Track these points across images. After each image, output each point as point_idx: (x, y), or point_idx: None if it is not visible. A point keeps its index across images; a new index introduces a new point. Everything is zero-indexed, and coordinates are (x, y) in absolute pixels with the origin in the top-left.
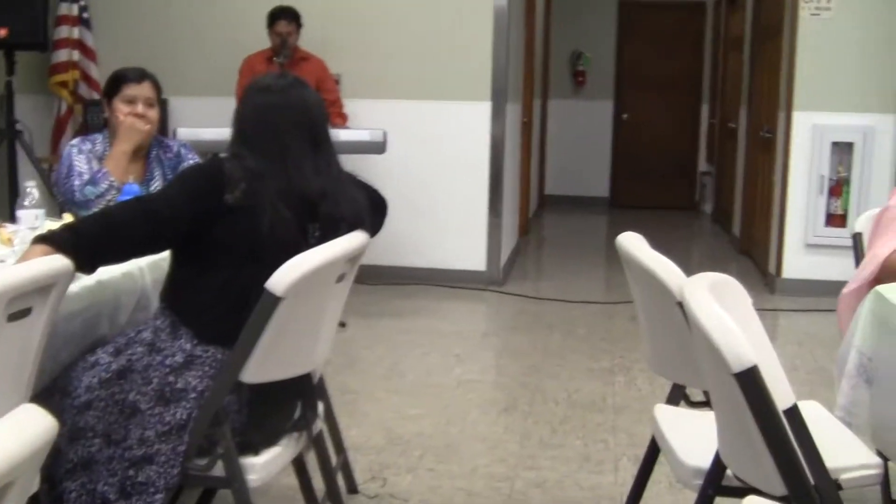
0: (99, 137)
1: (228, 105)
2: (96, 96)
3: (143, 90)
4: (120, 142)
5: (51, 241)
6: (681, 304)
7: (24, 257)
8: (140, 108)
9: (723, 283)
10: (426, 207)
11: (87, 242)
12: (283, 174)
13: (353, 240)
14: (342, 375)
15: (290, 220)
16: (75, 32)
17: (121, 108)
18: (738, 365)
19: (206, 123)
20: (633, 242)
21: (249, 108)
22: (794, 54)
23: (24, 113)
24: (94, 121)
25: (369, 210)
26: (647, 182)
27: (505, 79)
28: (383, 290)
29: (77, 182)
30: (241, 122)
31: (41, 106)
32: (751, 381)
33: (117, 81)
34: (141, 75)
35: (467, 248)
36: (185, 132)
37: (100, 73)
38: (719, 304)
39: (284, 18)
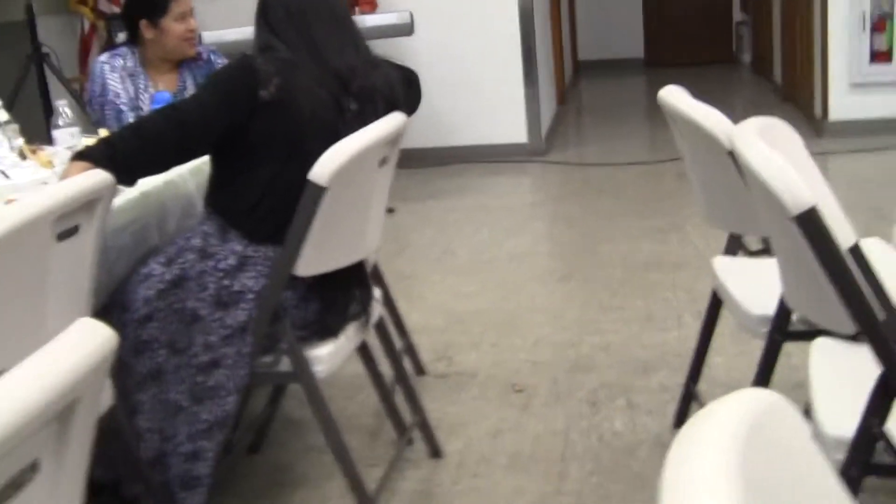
0: (127, 52)
1: (250, 2)
2: (117, 10)
3: (188, 2)
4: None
5: (88, 156)
6: (731, 154)
7: (64, 175)
8: (192, 23)
9: (771, 126)
10: (461, 85)
11: (125, 155)
12: (312, 58)
13: (392, 121)
14: (395, 261)
15: (327, 102)
16: None
17: (175, 29)
18: (796, 207)
19: (229, 23)
20: (676, 96)
21: (271, 4)
22: None
23: (47, 35)
24: (118, 36)
25: (402, 83)
26: (681, 38)
27: None
28: (427, 172)
29: (117, 102)
30: (265, 17)
31: (64, 26)
32: (811, 222)
33: (161, 0)
34: None
35: (507, 122)
36: (210, 35)
37: None
38: (770, 148)
39: None
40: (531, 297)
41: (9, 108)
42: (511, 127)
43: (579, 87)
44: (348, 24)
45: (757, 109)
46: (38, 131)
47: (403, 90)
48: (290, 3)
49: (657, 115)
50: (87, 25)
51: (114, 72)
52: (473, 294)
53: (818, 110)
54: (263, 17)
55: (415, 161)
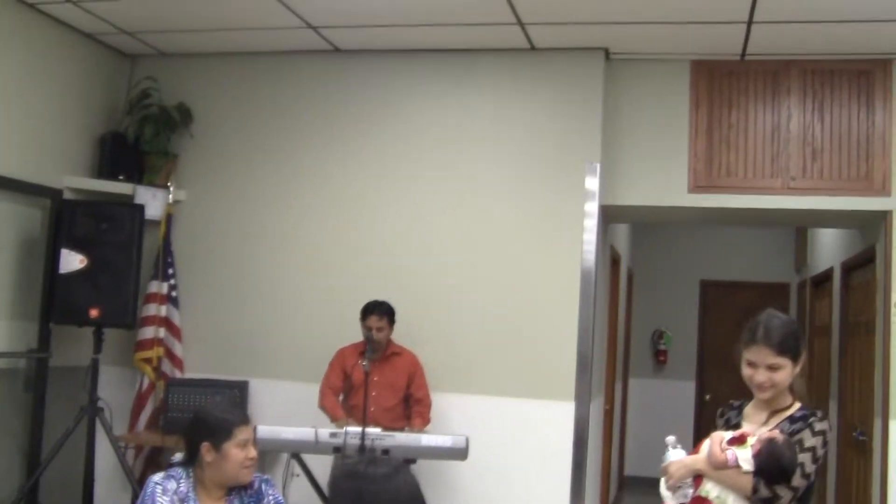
0: (182, 474)
1: (310, 391)
2: (178, 374)
3: (251, 431)
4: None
5: None
6: None
7: None
8: (252, 451)
9: None
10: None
11: None
12: None
13: None
14: None
15: None
16: (163, 310)
17: (236, 455)
18: None
19: (287, 408)
20: None
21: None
22: (888, 361)
23: (105, 385)
24: (174, 401)
25: None
26: None
27: (590, 376)
28: None
29: None
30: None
31: (123, 379)
32: None
33: (226, 426)
34: (245, 415)
35: None
36: (266, 430)
37: (183, 351)
38: None
39: (376, 313)
40: None
41: (52, 456)
42: None
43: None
44: None
45: None
46: (75, 486)
47: None
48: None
49: None
50: (145, 383)
51: (164, 494)
52: None
53: None
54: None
55: None
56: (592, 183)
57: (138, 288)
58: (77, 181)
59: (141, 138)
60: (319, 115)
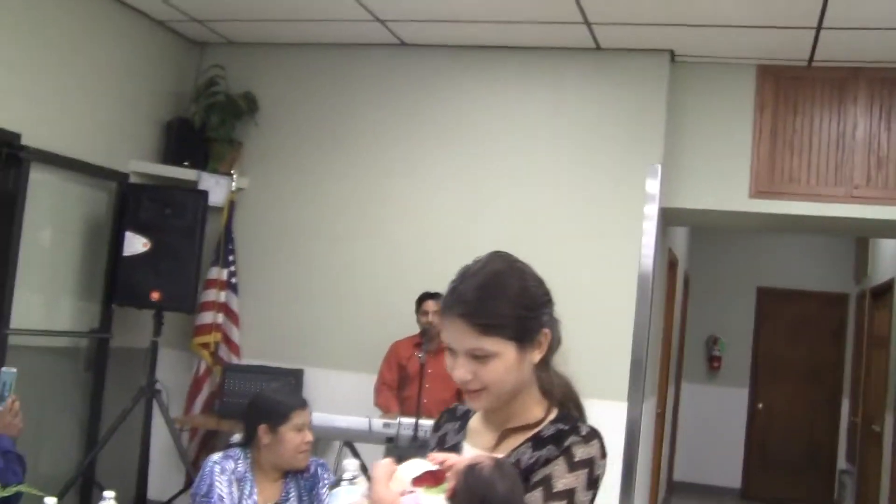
0: (240, 455)
1: (365, 382)
2: (235, 360)
3: (308, 415)
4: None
5: None
6: None
7: None
8: (308, 435)
9: None
10: None
11: None
12: None
13: None
14: None
15: None
16: (222, 296)
17: (292, 439)
18: None
19: (342, 397)
20: None
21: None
22: None
23: (163, 367)
24: (230, 386)
25: None
26: (781, 475)
27: (643, 378)
28: None
29: None
30: None
31: (180, 362)
32: None
33: (283, 409)
34: (302, 399)
35: None
36: (319, 417)
37: (241, 337)
38: None
39: (433, 299)
40: None
41: (109, 435)
42: None
43: None
44: None
45: None
46: (131, 461)
47: None
48: None
49: None
50: (202, 367)
51: (223, 474)
52: None
53: None
54: None
55: None
56: (653, 185)
57: (199, 273)
58: (143, 166)
59: (207, 125)
60: (383, 107)
